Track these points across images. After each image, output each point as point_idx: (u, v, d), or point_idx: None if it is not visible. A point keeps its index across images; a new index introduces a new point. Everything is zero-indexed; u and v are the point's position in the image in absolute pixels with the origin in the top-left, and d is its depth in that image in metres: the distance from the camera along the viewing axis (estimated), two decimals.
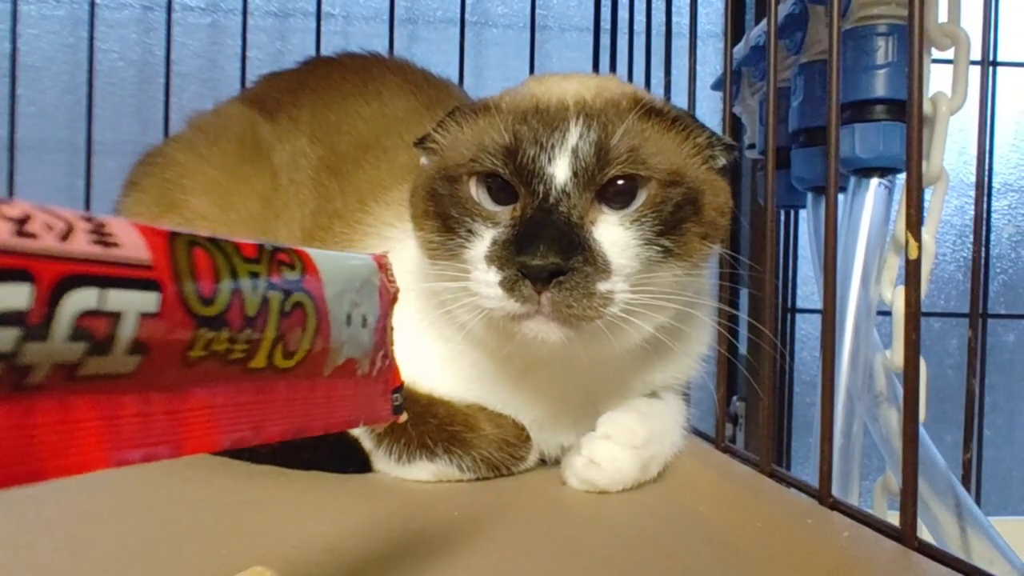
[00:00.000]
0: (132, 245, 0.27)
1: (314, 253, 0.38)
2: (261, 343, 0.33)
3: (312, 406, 0.38)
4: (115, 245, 0.27)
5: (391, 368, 0.45)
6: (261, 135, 1.07)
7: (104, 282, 0.26)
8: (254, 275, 0.33)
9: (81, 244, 0.25)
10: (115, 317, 0.26)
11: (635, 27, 1.42)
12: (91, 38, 1.46)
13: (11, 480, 0.24)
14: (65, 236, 0.25)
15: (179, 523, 0.62)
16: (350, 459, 0.77)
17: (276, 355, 0.35)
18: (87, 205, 1.43)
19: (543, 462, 0.82)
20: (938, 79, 0.99)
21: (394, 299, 0.45)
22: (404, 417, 0.46)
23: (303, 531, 0.60)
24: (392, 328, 0.45)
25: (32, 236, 0.24)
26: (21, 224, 0.24)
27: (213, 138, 1.05)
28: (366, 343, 0.42)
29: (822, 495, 0.72)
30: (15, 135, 1.43)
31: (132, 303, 0.27)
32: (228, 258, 0.32)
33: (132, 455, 0.28)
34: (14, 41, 1.44)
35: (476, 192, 0.72)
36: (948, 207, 1.62)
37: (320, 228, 0.96)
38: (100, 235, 0.26)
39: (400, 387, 0.46)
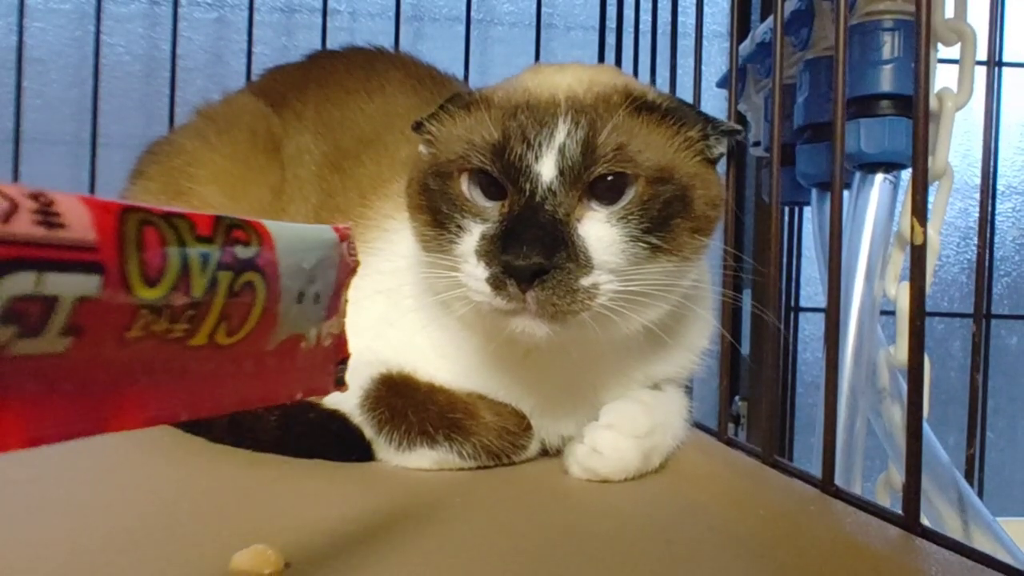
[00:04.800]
0: (78, 226, 0.26)
1: (273, 227, 0.37)
2: (204, 322, 0.32)
3: (250, 381, 0.37)
4: (60, 226, 0.26)
5: (340, 339, 0.44)
6: (274, 127, 1.07)
7: (43, 266, 0.25)
8: (205, 255, 0.32)
9: (23, 225, 0.24)
10: (51, 301, 0.25)
11: (640, 26, 1.42)
12: (97, 32, 1.47)
13: None
14: (8, 217, 0.24)
15: (181, 505, 0.62)
16: (352, 447, 0.77)
17: (218, 333, 0.33)
18: None
19: (545, 452, 0.82)
20: (943, 79, 0.99)
21: (353, 271, 0.44)
22: (347, 387, 0.45)
23: (304, 514, 0.60)
24: (347, 300, 0.44)
25: None
26: None
27: (224, 127, 1.05)
28: (315, 318, 0.41)
29: (825, 483, 0.72)
30: (21, 128, 1.43)
31: (71, 286, 0.26)
32: (180, 237, 0.31)
33: (52, 434, 0.27)
34: (20, 34, 1.45)
35: (467, 188, 0.72)
36: (952, 209, 1.61)
37: (322, 223, 0.95)
38: (46, 215, 0.25)
39: (346, 359, 0.45)
